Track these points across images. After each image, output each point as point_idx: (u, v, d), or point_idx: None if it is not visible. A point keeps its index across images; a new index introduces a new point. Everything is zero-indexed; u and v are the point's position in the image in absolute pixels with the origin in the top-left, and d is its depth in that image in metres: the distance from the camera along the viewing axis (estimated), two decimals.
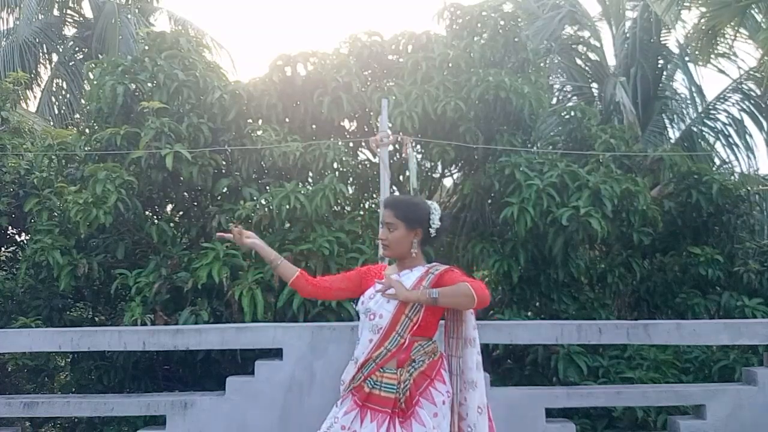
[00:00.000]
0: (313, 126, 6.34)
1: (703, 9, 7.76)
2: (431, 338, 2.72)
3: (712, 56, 8.54)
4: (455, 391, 2.71)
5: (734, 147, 9.11)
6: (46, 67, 12.94)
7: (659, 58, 9.83)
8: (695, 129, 9.26)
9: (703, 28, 7.76)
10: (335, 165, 5.89)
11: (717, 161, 9.03)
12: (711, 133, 9.22)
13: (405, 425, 2.55)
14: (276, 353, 4.32)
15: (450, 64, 6.31)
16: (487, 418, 2.72)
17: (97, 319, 6.67)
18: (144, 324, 5.07)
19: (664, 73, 9.94)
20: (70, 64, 12.69)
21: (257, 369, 4.27)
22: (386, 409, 2.56)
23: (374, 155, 6.38)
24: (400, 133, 5.44)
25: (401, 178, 6.73)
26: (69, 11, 13.61)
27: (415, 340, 2.65)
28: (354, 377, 2.66)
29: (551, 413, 4.40)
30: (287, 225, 5.51)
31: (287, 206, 5.24)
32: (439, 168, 7.07)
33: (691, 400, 4.57)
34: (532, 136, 6.87)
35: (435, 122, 5.93)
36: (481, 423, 2.68)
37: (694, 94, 9.58)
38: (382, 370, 2.61)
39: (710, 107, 9.38)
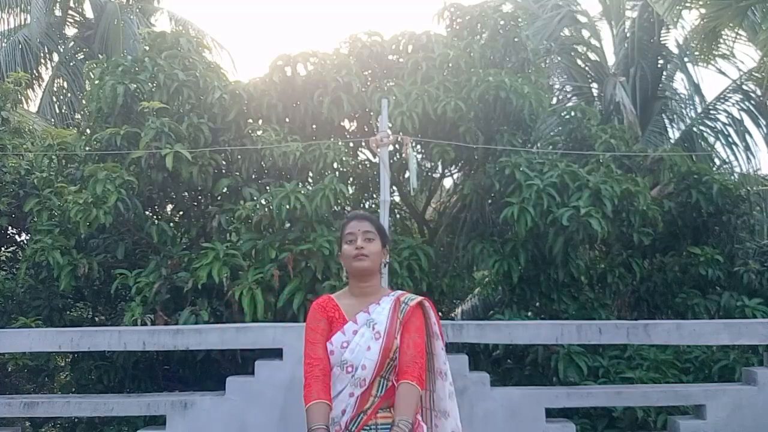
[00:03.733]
0: (313, 126, 6.34)
1: (704, 10, 7.75)
2: None
3: (713, 57, 8.53)
4: (429, 424, 2.57)
5: (734, 147, 9.10)
6: (47, 68, 12.97)
7: (659, 58, 9.83)
8: (695, 129, 9.25)
9: (704, 28, 7.76)
10: (335, 165, 5.89)
11: (717, 161, 9.02)
12: (711, 133, 9.21)
13: None
14: (276, 353, 4.32)
15: (450, 64, 6.32)
16: None
17: (97, 319, 6.68)
18: (144, 324, 5.07)
19: (664, 73, 9.93)
20: (71, 64, 12.70)
21: (257, 369, 4.27)
22: None
23: (374, 155, 6.39)
24: (400, 133, 5.44)
25: (401, 178, 6.73)
26: (70, 11, 13.63)
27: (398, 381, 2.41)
28: None
29: (551, 413, 4.41)
30: (287, 225, 5.51)
31: (287, 206, 5.24)
32: (439, 168, 7.08)
33: (691, 400, 4.57)
34: (532, 136, 6.87)
35: (435, 122, 5.93)
36: None
37: (694, 95, 9.57)
38: (375, 414, 2.36)
39: (710, 107, 9.36)
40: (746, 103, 9.18)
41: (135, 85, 6.01)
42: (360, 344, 2.35)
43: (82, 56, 12.84)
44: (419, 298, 2.52)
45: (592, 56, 10.16)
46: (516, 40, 6.78)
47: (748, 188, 7.02)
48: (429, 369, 2.55)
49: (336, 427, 2.32)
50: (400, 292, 2.55)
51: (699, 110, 9.49)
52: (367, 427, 2.34)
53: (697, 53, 8.24)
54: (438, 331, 2.56)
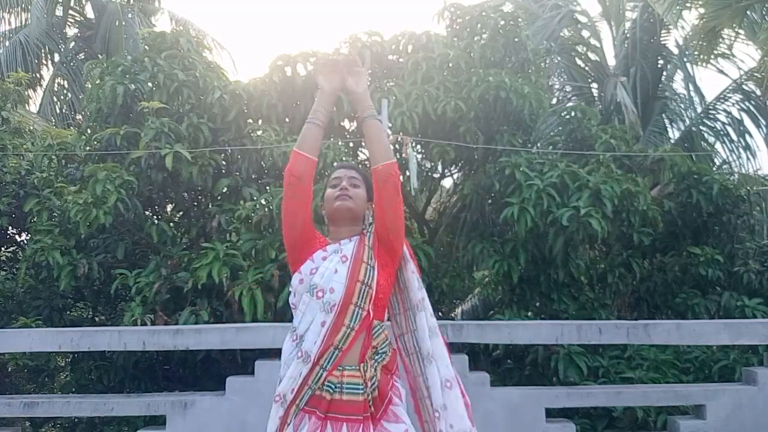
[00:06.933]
0: None
1: (703, 9, 7.75)
2: (383, 321, 2.30)
3: (712, 57, 8.53)
4: (415, 372, 2.35)
5: (734, 147, 9.11)
6: (48, 68, 12.97)
7: (659, 58, 9.83)
8: (695, 129, 9.25)
9: (703, 28, 7.76)
10: (335, 165, 5.88)
11: (717, 161, 9.03)
12: (711, 133, 9.22)
13: (381, 429, 2.14)
14: (276, 353, 4.30)
15: (450, 64, 6.31)
16: (459, 393, 2.28)
17: (97, 319, 6.68)
18: (144, 324, 5.07)
19: (664, 73, 9.93)
20: (72, 64, 12.71)
21: (257, 369, 4.27)
22: (356, 416, 2.10)
23: None
24: (400, 133, 5.45)
25: (401, 178, 6.73)
26: (71, 11, 13.64)
27: (378, 308, 2.25)
28: (308, 378, 2.13)
29: (551, 413, 4.40)
30: None
31: None
32: (439, 168, 7.07)
33: (691, 400, 4.57)
34: (532, 136, 6.87)
35: (435, 122, 5.93)
36: (450, 400, 2.25)
37: (694, 95, 9.58)
38: (341, 368, 2.14)
39: (710, 107, 9.37)
40: (746, 103, 9.18)
41: (135, 85, 6.01)
42: (328, 268, 2.24)
43: (83, 56, 12.84)
44: None
45: (592, 56, 10.16)
46: (516, 40, 6.78)
47: (748, 188, 7.01)
48: (404, 308, 2.39)
49: (308, 361, 2.14)
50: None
51: (699, 110, 9.49)
52: (331, 383, 2.13)
53: (696, 53, 8.24)
54: (407, 254, 2.39)
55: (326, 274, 2.23)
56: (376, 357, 2.20)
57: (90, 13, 13.49)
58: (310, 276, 2.26)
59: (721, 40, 8.17)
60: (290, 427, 2.14)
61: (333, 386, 2.12)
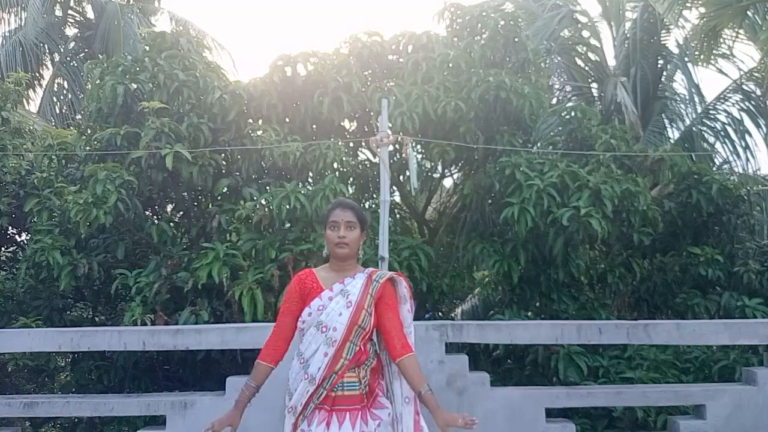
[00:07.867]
0: (313, 126, 6.35)
1: (703, 9, 7.76)
2: (372, 338, 2.87)
3: (713, 57, 8.54)
4: (386, 381, 2.90)
5: (734, 147, 9.11)
6: (48, 68, 12.97)
7: (659, 58, 9.84)
8: (695, 129, 9.26)
9: (704, 28, 7.76)
10: (335, 165, 5.89)
11: (717, 161, 9.03)
12: (711, 133, 9.22)
13: (372, 414, 2.76)
14: None
15: (450, 64, 6.31)
16: (413, 410, 2.81)
17: (97, 319, 6.68)
18: (144, 324, 5.07)
19: (664, 73, 9.94)
20: (72, 64, 12.71)
21: None
22: (355, 406, 2.71)
23: (374, 155, 6.39)
24: (400, 133, 5.44)
25: (401, 178, 6.73)
26: (70, 11, 13.64)
27: (366, 342, 2.79)
28: (313, 396, 2.70)
29: (551, 413, 4.41)
30: (287, 225, 5.51)
31: (287, 206, 5.24)
32: (439, 168, 7.08)
33: (691, 400, 4.57)
34: (532, 136, 6.87)
35: (435, 122, 5.93)
36: (406, 413, 2.81)
37: (694, 95, 9.58)
38: (343, 374, 2.72)
39: (710, 107, 9.38)
40: (746, 103, 9.19)
41: (135, 85, 6.01)
42: (334, 309, 2.73)
43: (83, 56, 12.84)
44: (388, 274, 2.86)
45: (593, 56, 10.16)
46: (516, 40, 6.78)
47: (748, 188, 7.01)
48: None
49: (313, 383, 2.69)
50: (371, 269, 2.89)
51: (699, 110, 9.50)
52: (336, 387, 2.71)
53: (697, 53, 8.25)
54: (407, 294, 2.88)
55: (331, 314, 2.74)
56: (368, 362, 2.78)
57: (90, 13, 13.50)
58: (318, 312, 2.76)
59: (721, 40, 8.18)
60: (304, 422, 2.74)
61: (337, 387, 2.71)
